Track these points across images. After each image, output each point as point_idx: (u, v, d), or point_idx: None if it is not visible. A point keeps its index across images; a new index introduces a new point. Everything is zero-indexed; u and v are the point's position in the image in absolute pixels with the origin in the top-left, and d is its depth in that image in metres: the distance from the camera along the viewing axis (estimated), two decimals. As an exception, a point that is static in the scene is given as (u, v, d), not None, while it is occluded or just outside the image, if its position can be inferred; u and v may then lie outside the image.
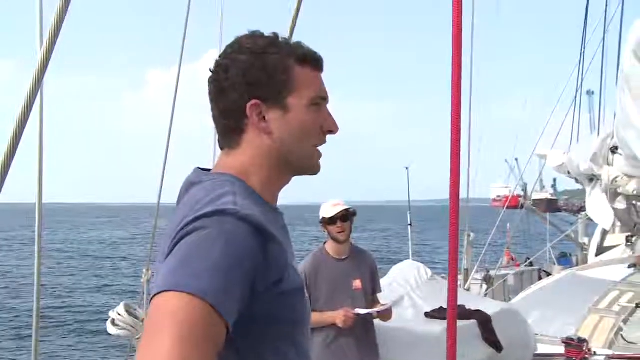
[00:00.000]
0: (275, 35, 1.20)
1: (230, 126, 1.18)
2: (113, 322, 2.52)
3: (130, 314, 2.50)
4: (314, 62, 1.20)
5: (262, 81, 1.14)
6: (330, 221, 3.50)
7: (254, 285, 0.99)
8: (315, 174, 1.24)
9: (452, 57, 1.53)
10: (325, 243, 3.65)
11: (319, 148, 1.23)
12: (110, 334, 2.59)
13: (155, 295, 0.93)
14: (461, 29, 1.52)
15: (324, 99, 1.21)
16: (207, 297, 0.90)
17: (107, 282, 22.87)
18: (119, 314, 2.49)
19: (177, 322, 0.87)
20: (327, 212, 3.52)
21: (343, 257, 3.57)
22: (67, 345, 12.93)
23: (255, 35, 1.19)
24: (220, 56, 1.19)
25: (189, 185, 1.17)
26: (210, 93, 1.20)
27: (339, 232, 3.50)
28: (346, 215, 3.51)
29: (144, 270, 3.98)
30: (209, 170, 1.20)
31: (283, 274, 1.06)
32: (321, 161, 1.24)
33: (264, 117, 1.16)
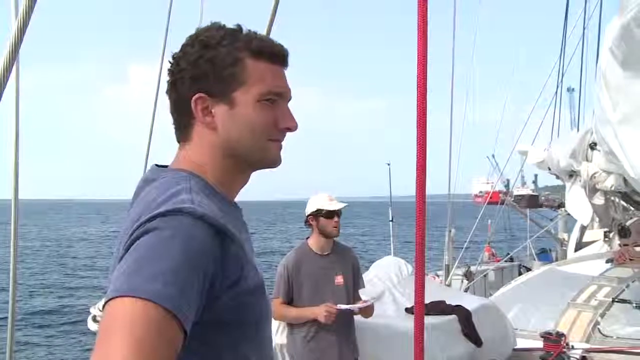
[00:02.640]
0: (238, 27, 1.15)
1: (181, 120, 1.16)
2: (94, 319, 2.49)
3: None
4: (271, 56, 1.14)
5: (208, 74, 1.11)
6: (329, 214, 3.51)
7: (212, 286, 0.96)
8: (274, 167, 1.19)
9: (417, 53, 1.54)
10: (307, 238, 3.65)
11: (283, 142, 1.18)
12: (91, 330, 2.55)
13: (110, 299, 0.88)
14: (426, 22, 1.53)
15: (280, 94, 1.15)
16: (162, 302, 0.85)
17: (84, 279, 22.61)
18: (100, 310, 2.46)
19: (132, 328, 0.82)
20: (327, 205, 3.52)
21: (326, 253, 3.58)
22: (45, 344, 12.78)
23: (212, 27, 1.15)
24: (179, 48, 1.16)
25: (144, 183, 1.13)
26: (167, 85, 1.17)
27: (335, 227, 3.54)
28: (340, 211, 3.56)
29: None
30: (166, 166, 1.17)
31: (241, 274, 1.02)
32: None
33: (210, 112, 1.12)
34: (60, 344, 12.69)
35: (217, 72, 1.11)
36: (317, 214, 3.52)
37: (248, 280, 1.04)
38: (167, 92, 1.17)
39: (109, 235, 45.03)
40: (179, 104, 1.15)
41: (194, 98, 1.12)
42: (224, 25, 1.15)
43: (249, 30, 1.16)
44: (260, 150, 1.15)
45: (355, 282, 3.65)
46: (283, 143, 1.18)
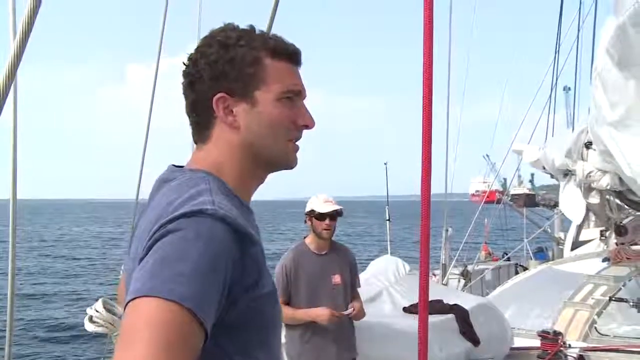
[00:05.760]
0: (251, 28, 1.16)
1: (200, 120, 1.16)
2: (91, 319, 2.48)
3: (108, 310, 2.47)
4: (287, 55, 1.16)
5: (229, 74, 1.11)
6: (320, 217, 3.50)
7: (230, 289, 0.96)
8: (291, 168, 1.20)
9: (423, 55, 1.54)
10: (305, 237, 3.66)
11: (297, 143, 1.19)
12: (88, 331, 2.55)
13: (131, 300, 0.88)
14: (432, 25, 1.54)
15: (297, 93, 1.17)
16: (187, 303, 0.86)
17: (82, 280, 22.58)
18: (97, 311, 2.45)
19: (156, 329, 0.83)
20: (319, 207, 3.51)
21: (323, 252, 3.59)
22: (43, 342, 12.76)
23: (227, 28, 1.15)
24: (194, 49, 1.16)
25: (161, 183, 1.13)
26: (182, 86, 1.17)
27: (325, 229, 3.52)
28: (335, 214, 3.54)
29: (123, 268, 3.93)
30: (182, 167, 1.17)
31: (258, 278, 1.02)
32: (301, 156, 1.19)
33: (232, 111, 1.13)
34: (58, 344, 12.67)
35: (238, 71, 1.12)
36: (311, 214, 3.53)
37: (264, 284, 1.03)
38: (183, 93, 1.17)
39: (106, 236, 44.96)
40: (197, 105, 1.15)
41: (215, 98, 1.12)
42: (238, 26, 1.16)
43: (262, 31, 1.17)
44: (280, 150, 1.16)
45: (352, 281, 3.66)
46: (299, 143, 1.19)
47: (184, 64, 1.17)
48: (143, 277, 0.90)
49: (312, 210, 3.52)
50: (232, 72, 1.12)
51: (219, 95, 1.12)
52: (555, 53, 8.99)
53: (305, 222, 3.61)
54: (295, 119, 1.16)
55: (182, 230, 0.94)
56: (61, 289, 19.92)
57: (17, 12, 2.06)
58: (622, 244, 6.53)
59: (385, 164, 8.14)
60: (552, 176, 8.47)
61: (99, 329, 2.44)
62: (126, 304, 0.89)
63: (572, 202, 6.93)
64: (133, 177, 3.77)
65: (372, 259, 5.22)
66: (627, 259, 6.02)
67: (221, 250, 0.94)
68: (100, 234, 47.54)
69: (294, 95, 1.16)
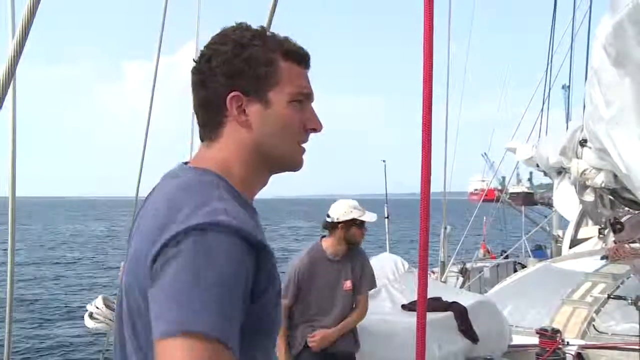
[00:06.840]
0: (263, 29, 1.16)
1: (210, 118, 1.15)
2: (91, 316, 2.50)
3: (108, 307, 2.49)
4: (299, 57, 1.16)
5: (243, 73, 1.11)
6: (362, 224, 3.54)
7: (244, 302, 0.96)
8: (297, 170, 1.20)
9: (423, 51, 1.55)
10: (322, 240, 3.62)
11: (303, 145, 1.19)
12: (88, 328, 2.56)
13: (161, 339, 0.88)
14: (432, 26, 1.54)
15: (307, 96, 1.17)
16: (216, 334, 0.87)
17: (82, 276, 22.57)
18: (97, 307, 2.47)
19: None
20: (362, 215, 3.52)
21: (338, 258, 3.57)
22: (42, 339, 12.77)
23: (241, 27, 1.15)
24: (205, 46, 1.16)
25: (166, 179, 1.12)
26: (192, 83, 1.16)
27: (362, 236, 3.58)
28: None
29: (122, 265, 3.93)
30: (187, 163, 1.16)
31: (268, 283, 1.03)
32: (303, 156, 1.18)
33: (244, 110, 1.12)
34: (58, 341, 12.67)
35: (253, 71, 1.11)
36: (353, 222, 3.51)
37: (271, 289, 1.04)
38: (193, 90, 1.16)
39: (104, 233, 44.93)
40: (209, 102, 1.14)
41: (229, 96, 1.11)
42: (250, 26, 1.16)
43: (272, 33, 1.18)
44: (289, 151, 1.16)
45: (362, 285, 3.63)
46: (306, 145, 1.19)
47: (195, 61, 1.15)
48: (167, 311, 0.90)
49: (354, 219, 3.51)
50: (247, 71, 1.11)
51: (233, 93, 1.11)
52: (549, 50, 8.99)
53: (329, 227, 3.55)
54: (304, 121, 1.16)
55: (196, 249, 0.93)
56: (59, 286, 19.91)
57: (17, 11, 2.06)
58: (621, 241, 6.53)
59: (383, 161, 8.16)
60: (545, 174, 8.48)
61: (99, 325, 2.45)
62: (155, 340, 0.89)
63: (566, 200, 6.93)
64: (130, 174, 3.77)
65: (370, 257, 5.23)
66: (625, 257, 6.02)
67: (239, 268, 0.94)
68: (97, 232, 47.50)
69: (305, 98, 1.17)
